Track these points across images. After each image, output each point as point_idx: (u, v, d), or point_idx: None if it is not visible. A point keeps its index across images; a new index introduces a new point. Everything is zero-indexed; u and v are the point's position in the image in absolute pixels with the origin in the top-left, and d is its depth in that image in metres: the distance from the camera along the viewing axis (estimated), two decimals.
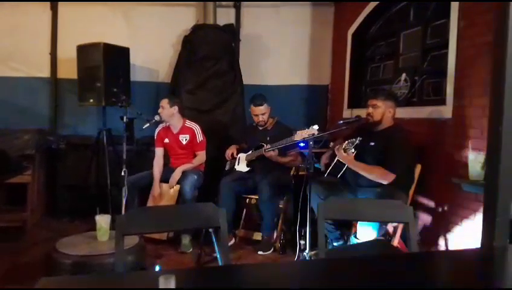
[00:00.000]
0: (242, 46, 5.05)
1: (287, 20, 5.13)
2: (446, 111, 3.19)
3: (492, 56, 1.66)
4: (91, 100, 4.25)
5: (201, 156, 3.87)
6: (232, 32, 4.88)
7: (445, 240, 3.16)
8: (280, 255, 3.52)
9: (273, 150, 3.55)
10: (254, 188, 3.65)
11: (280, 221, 3.69)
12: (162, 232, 3.45)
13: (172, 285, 0.93)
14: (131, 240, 2.70)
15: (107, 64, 4.17)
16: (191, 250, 3.54)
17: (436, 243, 3.24)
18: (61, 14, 4.80)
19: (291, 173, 3.85)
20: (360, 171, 3.01)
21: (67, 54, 4.54)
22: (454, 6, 3.16)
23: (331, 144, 3.68)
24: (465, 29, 3.05)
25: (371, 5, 4.39)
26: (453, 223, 3.07)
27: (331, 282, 1.28)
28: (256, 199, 3.70)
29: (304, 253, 2.89)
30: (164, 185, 3.79)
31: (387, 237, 2.98)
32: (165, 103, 3.80)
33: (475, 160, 2.64)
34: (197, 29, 4.72)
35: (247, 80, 4.82)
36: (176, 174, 3.72)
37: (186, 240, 3.57)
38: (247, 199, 3.84)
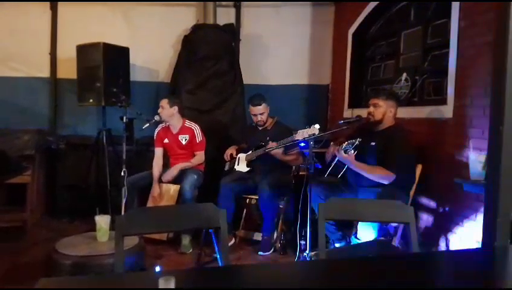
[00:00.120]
0: (242, 46, 5.05)
1: (287, 20, 5.13)
2: (447, 111, 3.19)
3: (493, 56, 1.66)
4: (91, 100, 4.25)
5: (200, 156, 3.87)
6: (232, 32, 4.87)
7: (446, 240, 3.16)
8: (280, 256, 3.51)
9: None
10: (254, 188, 3.64)
11: (280, 221, 3.68)
12: (161, 232, 3.44)
13: (172, 287, 0.93)
14: (131, 241, 2.70)
15: (107, 64, 4.17)
16: (191, 250, 3.54)
17: (437, 243, 3.23)
18: (61, 14, 4.80)
19: (292, 173, 3.84)
20: (360, 172, 3.01)
21: (67, 54, 4.54)
22: (455, 6, 3.16)
23: (332, 143, 3.68)
24: (466, 29, 3.05)
25: (371, 5, 4.39)
26: (454, 223, 3.07)
27: (331, 282, 1.28)
28: (256, 199, 3.70)
29: (305, 253, 2.88)
30: (164, 186, 3.79)
31: (388, 237, 2.98)
32: (164, 103, 3.79)
33: (476, 160, 2.63)
34: (197, 29, 4.72)
35: (247, 79, 4.82)
36: (172, 171, 3.72)
37: (186, 240, 3.57)
38: (247, 199, 3.83)
